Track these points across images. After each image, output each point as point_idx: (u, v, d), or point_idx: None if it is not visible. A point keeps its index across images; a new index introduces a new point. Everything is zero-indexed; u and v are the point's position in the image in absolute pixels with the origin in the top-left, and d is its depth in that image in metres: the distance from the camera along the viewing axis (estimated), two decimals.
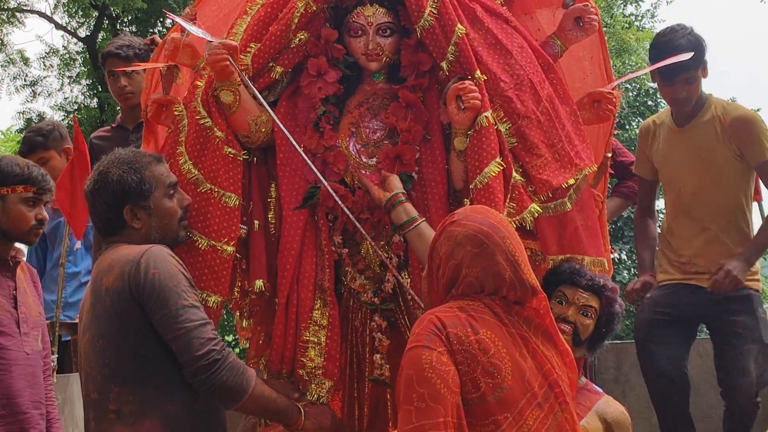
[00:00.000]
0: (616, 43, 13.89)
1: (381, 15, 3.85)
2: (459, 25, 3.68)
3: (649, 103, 19.60)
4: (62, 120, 18.52)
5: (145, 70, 5.16)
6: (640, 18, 20.52)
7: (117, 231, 3.41)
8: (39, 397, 4.09)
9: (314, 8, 3.80)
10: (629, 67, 14.29)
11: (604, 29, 4.12)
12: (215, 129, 3.68)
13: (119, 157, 3.45)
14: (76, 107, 18.73)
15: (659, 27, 25.00)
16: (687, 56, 4.34)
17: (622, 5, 17.13)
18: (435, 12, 3.69)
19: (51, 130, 5.75)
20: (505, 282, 2.85)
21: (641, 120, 19.16)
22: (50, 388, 4.27)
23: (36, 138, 5.72)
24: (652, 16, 21.04)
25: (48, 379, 4.27)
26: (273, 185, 3.89)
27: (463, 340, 2.73)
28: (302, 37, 3.83)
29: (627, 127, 18.92)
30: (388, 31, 3.85)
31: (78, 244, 5.64)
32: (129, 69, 5.23)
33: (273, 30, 3.79)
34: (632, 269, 18.36)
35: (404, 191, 3.71)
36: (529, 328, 2.89)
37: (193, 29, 3.71)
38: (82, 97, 18.86)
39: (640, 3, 20.99)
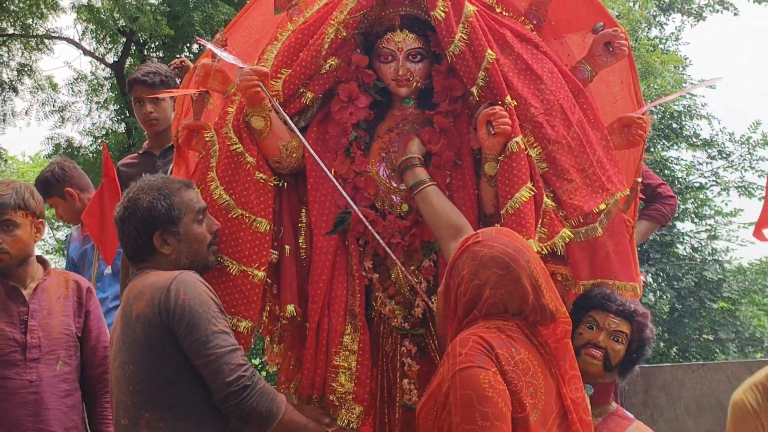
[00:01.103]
0: (642, 66, 13.85)
1: (411, 41, 3.86)
2: (489, 51, 3.68)
3: (674, 126, 19.54)
4: (90, 145, 18.65)
5: (171, 96, 5.22)
6: (664, 41, 20.49)
7: (147, 257, 3.42)
8: (47, 424, 4.01)
9: (344, 34, 3.80)
10: (654, 90, 14.25)
11: None
12: (246, 154, 3.68)
13: (149, 184, 3.46)
14: (104, 132, 18.81)
15: (684, 50, 25.00)
16: (718, 80, 4.31)
17: (646, 29, 17.11)
18: (465, 37, 3.69)
19: (46, 180, 5.78)
20: (528, 305, 2.89)
21: (666, 143, 19.14)
22: (105, 406, 4.20)
23: (40, 188, 5.80)
24: (677, 39, 21.01)
25: (104, 397, 4.20)
26: (304, 210, 3.89)
27: (509, 360, 2.77)
28: (333, 62, 3.83)
29: (652, 150, 18.84)
30: (418, 56, 3.86)
31: (107, 270, 5.65)
32: (159, 96, 5.25)
33: (303, 56, 3.80)
34: (658, 292, 18.25)
35: (419, 156, 3.76)
36: (548, 350, 2.94)
37: (224, 55, 3.74)
38: (110, 123, 18.94)
39: (664, 26, 20.98)
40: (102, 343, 4.21)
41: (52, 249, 22.62)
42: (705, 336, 18.41)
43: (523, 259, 2.90)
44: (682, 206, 19.06)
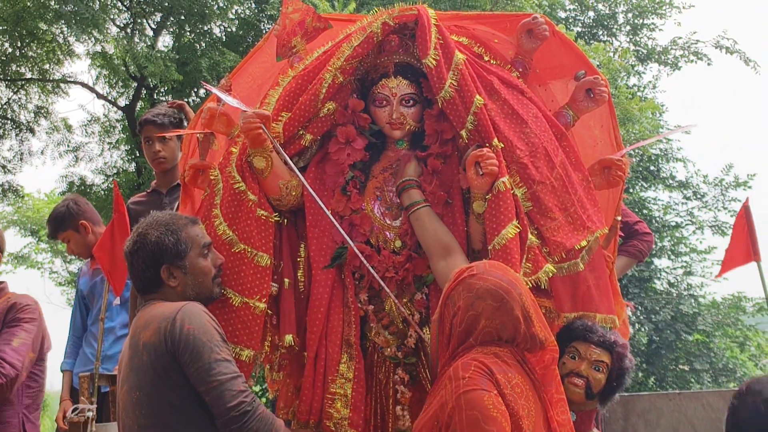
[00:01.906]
0: (621, 112, 13.87)
1: (404, 86, 3.88)
2: (477, 96, 3.69)
3: (652, 168, 19.59)
4: (102, 183, 18.65)
5: (178, 137, 5.23)
6: (642, 89, 20.57)
7: (154, 289, 3.42)
8: None
9: (341, 80, 3.82)
10: (633, 135, 14.27)
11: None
12: (249, 193, 3.69)
13: (157, 220, 3.46)
14: (115, 171, 18.82)
15: (661, 97, 25.14)
16: (692, 126, 4.34)
17: (625, 77, 17.19)
18: (455, 84, 3.70)
19: (62, 216, 5.82)
20: (520, 334, 2.90)
21: (644, 184, 19.19)
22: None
23: (53, 223, 5.86)
24: (654, 87, 21.10)
25: None
26: (302, 245, 3.88)
27: (507, 384, 2.78)
28: (330, 107, 3.85)
29: (631, 190, 18.88)
30: (411, 101, 3.88)
31: (116, 300, 5.64)
32: (168, 135, 5.27)
33: (303, 100, 3.81)
34: (636, 324, 18.22)
35: (416, 179, 3.80)
36: (536, 375, 2.96)
37: (229, 99, 3.75)
38: (121, 162, 18.95)
39: (642, 75, 21.07)
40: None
41: (65, 281, 22.53)
42: (681, 366, 18.34)
43: (515, 292, 2.91)
44: (659, 244, 19.06)
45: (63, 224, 5.78)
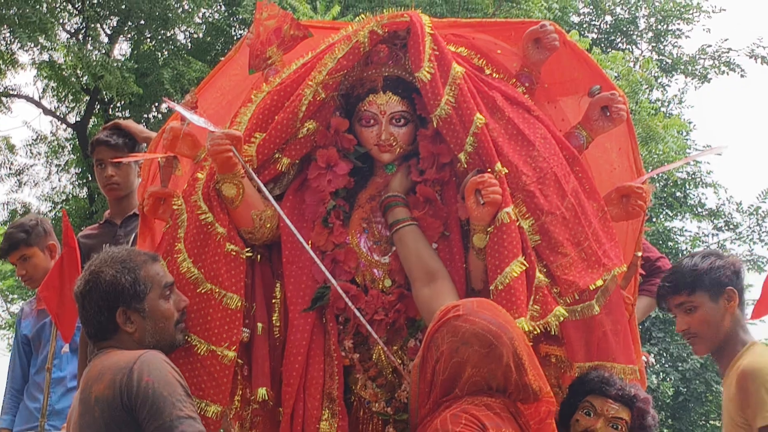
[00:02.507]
0: (642, 130, 13.92)
1: (395, 103, 3.89)
2: (478, 115, 3.70)
3: (678, 194, 19.68)
4: (49, 211, 18.60)
5: (135, 162, 5.20)
6: (667, 104, 20.70)
7: (109, 335, 3.40)
8: None
9: (323, 96, 3.83)
10: (656, 157, 14.31)
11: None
12: (217, 224, 3.69)
13: (112, 256, 3.45)
14: (64, 198, 18.81)
15: (687, 113, 25.25)
16: (723, 148, 4.35)
17: (647, 91, 17.23)
18: (452, 100, 3.71)
19: (34, 226, 5.79)
20: (511, 384, 2.91)
21: (669, 213, 19.24)
22: None
23: (18, 234, 5.77)
24: (680, 102, 21.23)
25: None
26: (278, 285, 3.88)
27: None
28: (310, 126, 3.86)
29: (654, 220, 18.94)
30: (402, 120, 3.90)
31: (65, 347, 5.61)
32: (124, 160, 5.23)
33: (279, 119, 3.82)
34: (661, 374, 18.21)
35: (401, 195, 3.83)
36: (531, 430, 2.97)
37: (194, 118, 3.75)
38: (71, 187, 18.95)
39: (667, 88, 21.20)
40: None
41: (5, 323, 22.44)
42: (712, 422, 18.33)
43: (506, 336, 2.91)
44: None
45: (29, 239, 5.73)
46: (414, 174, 3.90)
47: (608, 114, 3.91)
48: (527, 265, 3.52)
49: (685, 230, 20.40)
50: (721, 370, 4.28)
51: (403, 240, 3.74)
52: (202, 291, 3.61)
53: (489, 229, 3.59)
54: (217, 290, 3.60)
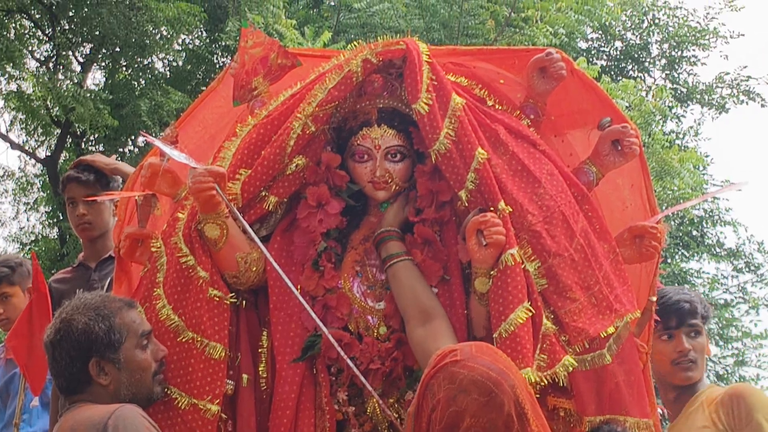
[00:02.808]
0: (656, 164, 13.93)
1: (390, 137, 3.90)
2: (479, 149, 3.70)
3: (694, 233, 19.68)
4: (17, 253, 18.56)
5: (111, 200, 5.20)
6: (682, 136, 20.74)
7: (81, 388, 3.39)
8: None
9: (313, 129, 3.84)
10: (671, 194, 14.33)
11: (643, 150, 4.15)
12: (198, 268, 3.69)
13: (84, 303, 3.45)
14: (33, 238, 18.80)
15: (704, 146, 25.30)
16: (743, 184, 4.37)
17: (661, 122, 17.25)
18: (452, 134, 3.72)
19: (19, 264, 5.81)
20: None
21: (685, 253, 19.24)
22: None
23: (2, 269, 5.77)
24: (696, 134, 21.27)
25: None
26: (265, 333, 3.88)
27: None
28: (299, 162, 3.87)
29: (669, 261, 18.93)
30: (399, 155, 3.91)
31: (35, 401, 5.58)
32: (98, 198, 5.22)
33: (266, 154, 3.83)
34: None
35: (396, 230, 3.84)
36: None
37: (174, 153, 3.75)
38: (40, 227, 18.95)
39: (682, 119, 21.25)
40: None
41: None
42: None
43: (507, 384, 2.88)
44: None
45: (12, 277, 5.73)
46: (411, 211, 3.91)
47: (619, 148, 3.92)
48: (533, 312, 3.51)
49: (703, 272, 20.41)
50: (676, 405, 4.57)
51: (396, 276, 3.74)
52: (183, 340, 3.60)
53: (492, 272, 3.59)
54: (198, 339, 3.60)
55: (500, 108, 3.97)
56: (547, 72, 3.95)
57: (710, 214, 19.72)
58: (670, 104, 19.03)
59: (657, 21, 20.25)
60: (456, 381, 2.89)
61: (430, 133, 3.73)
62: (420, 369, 3.66)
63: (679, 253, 19.63)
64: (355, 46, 3.99)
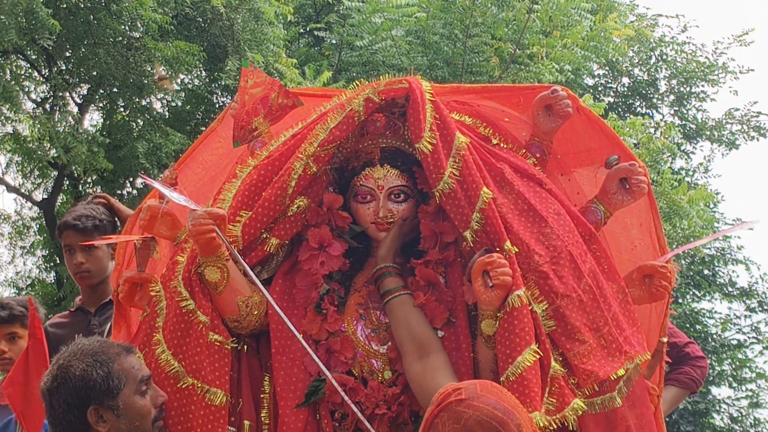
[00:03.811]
0: (666, 204, 13.90)
1: (393, 177, 3.92)
2: (485, 189, 3.71)
3: (706, 272, 19.64)
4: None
5: (109, 244, 5.19)
6: (691, 173, 20.74)
7: None
8: None
9: (314, 170, 3.85)
10: (681, 232, 14.31)
11: (652, 188, 4.16)
12: (199, 312, 3.69)
13: (82, 348, 3.44)
14: (29, 283, 18.79)
15: (714, 183, 25.30)
16: (755, 222, 4.38)
17: (670, 159, 17.25)
18: (456, 173, 3.73)
19: (26, 308, 5.77)
20: None
21: (696, 293, 19.21)
22: None
23: (17, 309, 5.73)
24: (706, 171, 21.26)
25: None
26: (267, 378, 3.87)
27: None
28: (301, 203, 3.88)
29: (681, 301, 18.89)
30: (402, 195, 3.92)
31: None
32: (96, 243, 5.22)
33: (267, 195, 3.84)
34: None
35: (392, 265, 3.85)
36: None
37: (174, 195, 3.76)
38: (37, 271, 18.94)
39: (691, 156, 21.25)
40: None
41: None
42: None
43: (513, 423, 2.89)
44: (717, 368, 19.00)
45: (25, 320, 5.70)
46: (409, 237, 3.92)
47: (627, 186, 3.94)
48: (541, 354, 3.51)
49: (715, 312, 20.34)
50: None
51: (392, 311, 3.76)
52: (183, 386, 3.60)
53: (499, 314, 3.58)
54: (199, 385, 3.60)
55: (505, 146, 3.99)
56: (553, 110, 3.97)
57: (722, 252, 19.69)
58: (679, 141, 19.05)
59: (665, 56, 20.29)
60: (461, 421, 2.89)
61: (434, 173, 3.74)
62: None
63: (691, 292, 19.59)
64: (356, 84, 4.01)
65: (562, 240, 3.70)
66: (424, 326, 3.72)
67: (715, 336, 19.42)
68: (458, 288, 3.82)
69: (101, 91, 16.48)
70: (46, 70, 16.44)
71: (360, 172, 3.96)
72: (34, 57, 16.19)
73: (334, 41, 15.54)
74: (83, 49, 15.08)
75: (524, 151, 4.01)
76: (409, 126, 3.84)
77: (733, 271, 20.06)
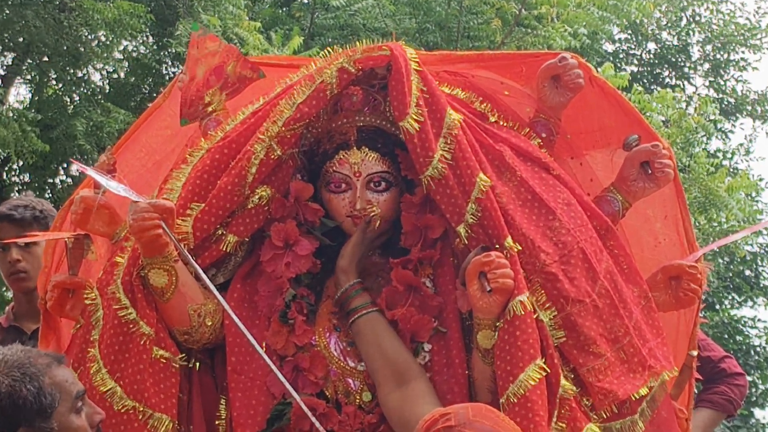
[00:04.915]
0: (699, 193, 13.87)
1: (372, 162, 3.91)
2: (481, 175, 3.71)
3: (747, 273, 19.69)
4: None
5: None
6: (730, 156, 20.78)
7: None
8: None
9: (279, 153, 3.83)
10: (717, 226, 14.32)
11: (682, 175, 4.16)
12: (141, 323, 3.68)
13: (5, 360, 3.41)
14: None
15: (757, 168, 25.31)
16: None
17: (704, 140, 17.18)
18: (448, 157, 3.73)
19: (51, 209, 5.72)
20: None
21: (736, 298, 19.25)
22: None
23: (38, 209, 5.69)
24: (747, 153, 21.32)
25: None
26: (223, 401, 3.87)
27: None
28: (263, 193, 3.87)
29: (718, 307, 18.94)
30: (383, 183, 3.91)
31: None
32: (23, 240, 5.17)
33: (222, 184, 3.83)
34: None
35: (357, 281, 3.83)
36: None
37: (111, 184, 3.72)
38: None
39: (729, 136, 21.30)
40: None
41: None
42: None
43: None
44: (761, 387, 19.08)
45: (47, 221, 5.66)
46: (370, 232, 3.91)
47: (650, 172, 3.93)
48: (548, 371, 3.51)
49: (759, 320, 20.41)
50: None
51: (361, 333, 3.74)
52: (122, 409, 3.61)
53: (498, 323, 3.57)
54: (141, 409, 3.60)
55: (505, 125, 3.99)
56: (561, 81, 3.96)
57: (766, 250, 19.75)
58: (715, 118, 19.06)
59: (698, 18, 20.36)
60: None
61: (422, 157, 3.74)
62: None
63: (729, 297, 19.67)
64: (329, 52, 3.99)
65: (572, 235, 3.70)
66: (400, 349, 3.71)
67: (758, 349, 19.48)
68: (449, 293, 3.81)
69: (29, 61, 16.44)
70: None
71: (333, 156, 3.93)
72: None
73: (305, 1, 15.52)
74: (7, 11, 15.00)
75: (528, 130, 4.01)
76: (392, 101, 3.83)
77: None
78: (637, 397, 3.61)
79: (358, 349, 3.81)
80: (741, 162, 21.09)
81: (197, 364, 3.86)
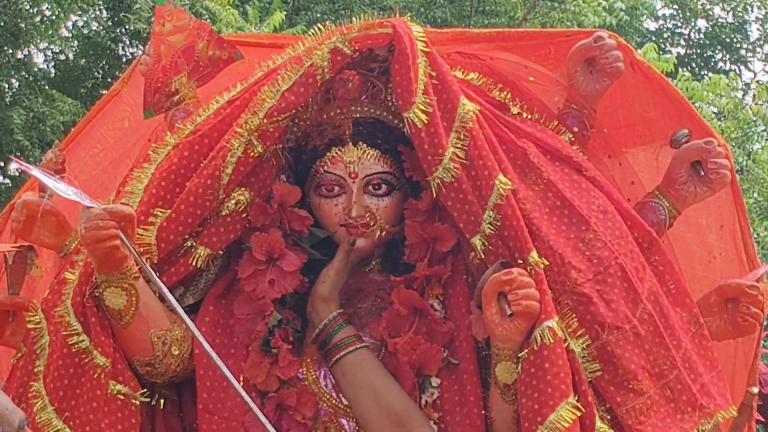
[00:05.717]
0: (762, 198, 13.85)
1: (371, 161, 3.90)
2: (501, 176, 3.70)
3: None
4: None
5: None
6: None
7: None
8: None
9: (260, 150, 3.82)
10: None
11: (740, 177, 4.17)
12: (95, 353, 3.66)
13: None
14: None
15: None
16: None
17: (764, 134, 17.11)
18: (461, 155, 3.72)
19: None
20: None
21: None
22: None
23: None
24: None
25: None
26: None
27: None
28: (240, 197, 3.86)
29: None
30: (384, 186, 3.91)
31: None
32: None
33: (192, 187, 3.81)
34: None
35: (340, 312, 3.81)
36: None
37: (60, 186, 3.70)
38: None
39: None
40: None
41: None
42: None
43: None
44: None
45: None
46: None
47: (702, 173, 3.93)
48: (583, 410, 3.51)
49: None
50: None
51: (348, 374, 3.72)
52: None
53: (521, 354, 3.57)
54: None
55: (530, 117, 3.99)
56: (597, 65, 3.96)
57: None
58: None
59: None
60: None
61: (430, 155, 3.73)
62: None
63: None
64: (319, 30, 3.98)
65: (609, 249, 3.70)
66: (397, 392, 3.70)
67: None
68: (462, 318, 3.81)
69: None
70: None
71: (324, 153, 3.93)
72: None
73: None
74: None
75: (556, 123, 4.01)
76: (394, 88, 3.82)
77: None
78: None
79: (343, 393, 3.80)
80: None
81: (162, 401, 3.86)
